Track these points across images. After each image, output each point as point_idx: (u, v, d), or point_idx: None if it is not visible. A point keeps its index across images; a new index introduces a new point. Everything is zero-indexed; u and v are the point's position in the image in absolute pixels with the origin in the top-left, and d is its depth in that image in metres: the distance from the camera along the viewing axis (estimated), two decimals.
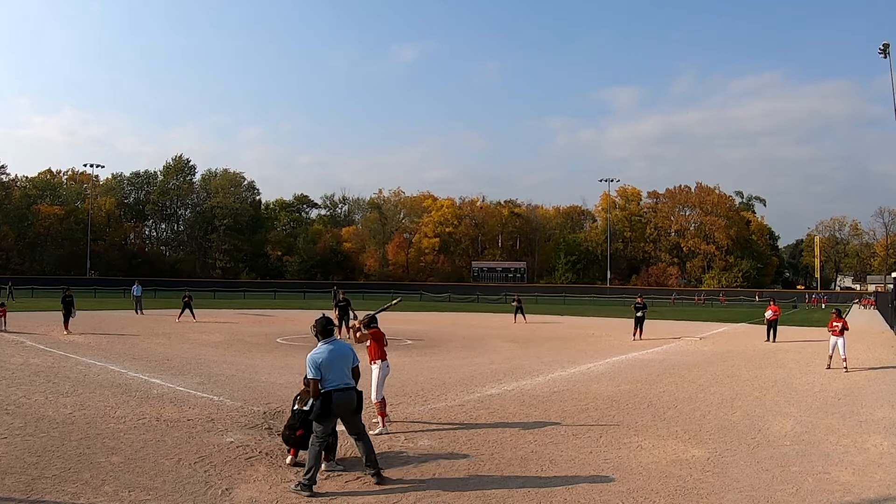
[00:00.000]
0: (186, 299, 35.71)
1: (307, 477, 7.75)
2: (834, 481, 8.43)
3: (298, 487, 7.74)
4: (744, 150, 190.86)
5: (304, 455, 8.49)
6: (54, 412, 11.62)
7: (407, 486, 8.04)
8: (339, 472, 8.53)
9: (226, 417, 11.62)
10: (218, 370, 17.46)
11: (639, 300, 30.60)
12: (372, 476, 8.14)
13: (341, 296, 27.85)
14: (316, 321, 8.71)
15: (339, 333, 25.29)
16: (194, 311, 35.76)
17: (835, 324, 19.95)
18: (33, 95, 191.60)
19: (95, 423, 10.80)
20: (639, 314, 29.63)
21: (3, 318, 27.75)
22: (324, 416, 8.04)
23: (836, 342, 19.65)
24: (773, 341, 27.81)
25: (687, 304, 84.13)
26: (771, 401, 14.30)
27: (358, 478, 8.32)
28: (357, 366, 8.54)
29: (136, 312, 39.65)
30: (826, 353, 20.02)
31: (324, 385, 8.09)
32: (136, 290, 42.32)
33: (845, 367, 19.21)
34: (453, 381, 16.38)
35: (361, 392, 8.48)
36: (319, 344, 8.39)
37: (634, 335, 28.96)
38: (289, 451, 9.11)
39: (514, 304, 42.42)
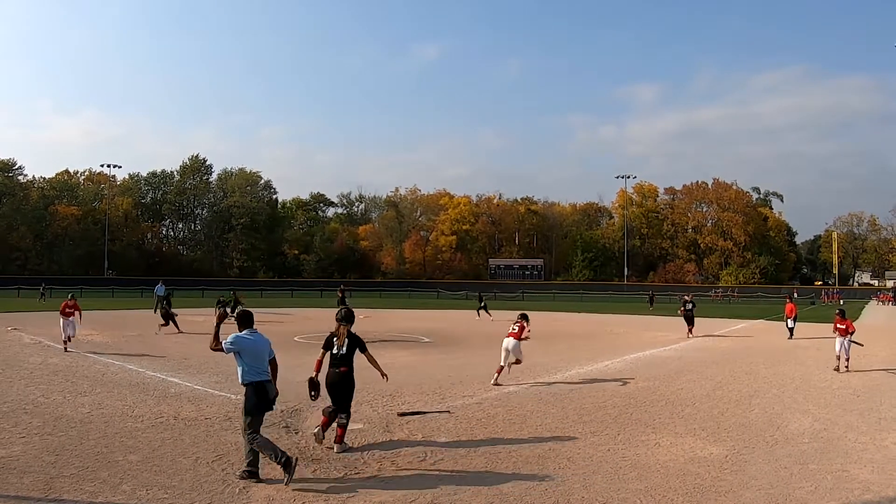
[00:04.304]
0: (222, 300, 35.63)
1: (250, 465, 8.11)
2: (853, 479, 8.37)
3: (244, 474, 8.06)
4: (764, 146, 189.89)
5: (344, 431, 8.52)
6: (72, 411, 11.70)
7: (424, 483, 8.05)
8: (354, 474, 8.53)
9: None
10: (236, 369, 17.49)
11: (687, 297, 30.91)
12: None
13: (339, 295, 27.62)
14: (238, 313, 8.92)
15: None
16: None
17: (839, 325, 18.98)
18: (54, 97, 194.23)
19: (113, 422, 10.87)
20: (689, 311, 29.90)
21: (77, 316, 22.25)
22: (259, 408, 8.34)
23: (843, 343, 18.69)
24: (790, 338, 27.63)
25: (704, 301, 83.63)
26: (789, 398, 14.22)
27: (375, 475, 8.32)
28: (274, 357, 8.79)
29: (156, 312, 39.69)
30: (833, 356, 18.94)
31: (247, 372, 8.41)
32: (159, 289, 42.43)
33: (846, 367, 18.39)
34: (471, 379, 16.36)
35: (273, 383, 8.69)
36: (244, 331, 8.62)
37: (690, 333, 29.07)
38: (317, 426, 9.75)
39: (481, 303, 42.95)
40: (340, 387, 9.76)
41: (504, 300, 76.33)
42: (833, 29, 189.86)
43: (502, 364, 15.94)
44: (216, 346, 8.54)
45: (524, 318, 16.85)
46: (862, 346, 19.46)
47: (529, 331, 16.71)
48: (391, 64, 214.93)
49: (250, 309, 9.39)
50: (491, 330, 32.63)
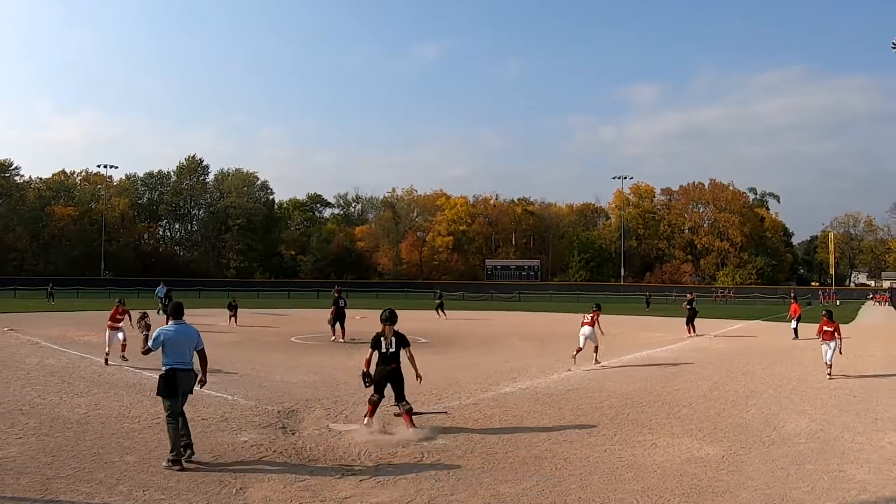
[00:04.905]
0: (233, 303, 35.26)
1: (173, 454, 8.49)
2: (849, 479, 8.38)
3: (169, 464, 8.41)
4: (763, 146, 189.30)
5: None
6: (69, 412, 11.70)
7: (421, 484, 8.04)
8: (360, 473, 8.53)
9: (240, 417, 11.66)
10: (232, 369, 17.50)
11: (690, 296, 31.90)
12: (186, 454, 8.71)
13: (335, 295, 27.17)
14: (170, 304, 9.81)
15: (335, 334, 25.54)
16: (237, 315, 35.09)
17: (826, 328, 17.50)
18: (54, 97, 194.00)
19: (110, 423, 10.87)
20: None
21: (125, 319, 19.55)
22: (170, 394, 8.79)
23: (829, 347, 17.30)
24: (794, 338, 27.64)
25: (703, 302, 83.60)
26: (786, 398, 14.24)
27: (372, 476, 8.32)
28: (202, 349, 9.35)
29: (158, 313, 39.50)
30: (822, 363, 17.72)
31: (166, 362, 8.93)
32: (160, 290, 42.40)
33: (829, 374, 17.16)
34: (468, 380, 16.38)
35: (197, 374, 9.21)
36: (170, 323, 9.32)
37: (690, 332, 29.70)
38: (365, 414, 10.88)
39: (438, 300, 44.54)
40: (393, 381, 10.87)
41: (501, 301, 76.48)
42: (833, 29, 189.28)
43: (580, 347, 19.29)
44: (144, 349, 9.46)
45: (598, 307, 20.34)
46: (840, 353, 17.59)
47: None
48: (391, 64, 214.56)
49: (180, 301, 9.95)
50: (489, 331, 32.66)
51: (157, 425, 10.72)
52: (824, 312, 18.27)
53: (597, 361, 19.51)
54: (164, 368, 8.91)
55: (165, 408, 8.82)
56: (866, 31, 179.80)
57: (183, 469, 8.38)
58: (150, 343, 9.15)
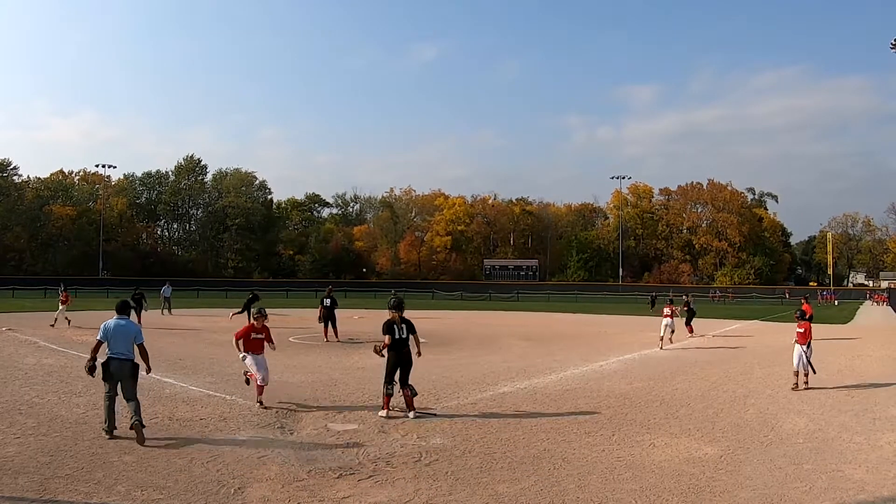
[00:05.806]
0: (251, 298, 32.85)
1: (106, 424, 9.94)
2: (847, 479, 8.38)
3: (103, 432, 9.88)
4: (762, 146, 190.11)
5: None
6: (67, 412, 11.68)
7: (420, 483, 8.04)
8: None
9: (238, 416, 11.64)
10: (230, 369, 17.46)
11: (688, 297, 33.77)
12: (133, 430, 9.69)
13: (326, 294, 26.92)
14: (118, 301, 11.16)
15: (327, 335, 25.53)
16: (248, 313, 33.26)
17: (798, 329, 15.61)
18: (51, 98, 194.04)
19: None
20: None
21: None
22: (104, 379, 10.07)
23: (801, 352, 15.29)
24: None
25: (702, 302, 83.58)
26: (784, 398, 14.22)
27: (370, 476, 8.32)
28: (142, 343, 10.58)
29: (162, 313, 39.51)
30: (818, 364, 16.26)
31: (107, 351, 10.17)
32: (166, 290, 42.50)
33: (804, 382, 15.31)
34: (466, 380, 16.36)
35: (137, 365, 10.34)
36: (114, 317, 10.58)
37: (688, 332, 29.66)
38: (383, 407, 11.86)
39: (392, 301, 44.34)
40: (403, 365, 11.95)
41: (499, 300, 76.44)
42: (832, 29, 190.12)
43: (662, 335, 24.24)
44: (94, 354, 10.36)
45: (671, 301, 25.98)
46: (815, 373, 15.62)
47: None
48: (390, 64, 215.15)
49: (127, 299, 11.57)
50: (487, 331, 32.65)
51: (155, 425, 10.71)
52: (797, 312, 16.74)
53: (670, 341, 24.53)
54: (106, 357, 10.13)
55: (105, 389, 10.07)
56: (865, 31, 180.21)
57: (113, 438, 9.74)
58: (98, 336, 10.34)
